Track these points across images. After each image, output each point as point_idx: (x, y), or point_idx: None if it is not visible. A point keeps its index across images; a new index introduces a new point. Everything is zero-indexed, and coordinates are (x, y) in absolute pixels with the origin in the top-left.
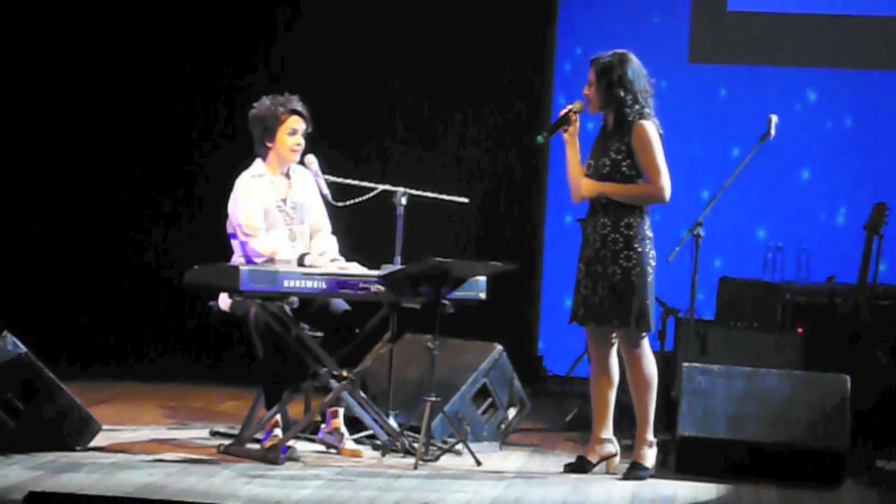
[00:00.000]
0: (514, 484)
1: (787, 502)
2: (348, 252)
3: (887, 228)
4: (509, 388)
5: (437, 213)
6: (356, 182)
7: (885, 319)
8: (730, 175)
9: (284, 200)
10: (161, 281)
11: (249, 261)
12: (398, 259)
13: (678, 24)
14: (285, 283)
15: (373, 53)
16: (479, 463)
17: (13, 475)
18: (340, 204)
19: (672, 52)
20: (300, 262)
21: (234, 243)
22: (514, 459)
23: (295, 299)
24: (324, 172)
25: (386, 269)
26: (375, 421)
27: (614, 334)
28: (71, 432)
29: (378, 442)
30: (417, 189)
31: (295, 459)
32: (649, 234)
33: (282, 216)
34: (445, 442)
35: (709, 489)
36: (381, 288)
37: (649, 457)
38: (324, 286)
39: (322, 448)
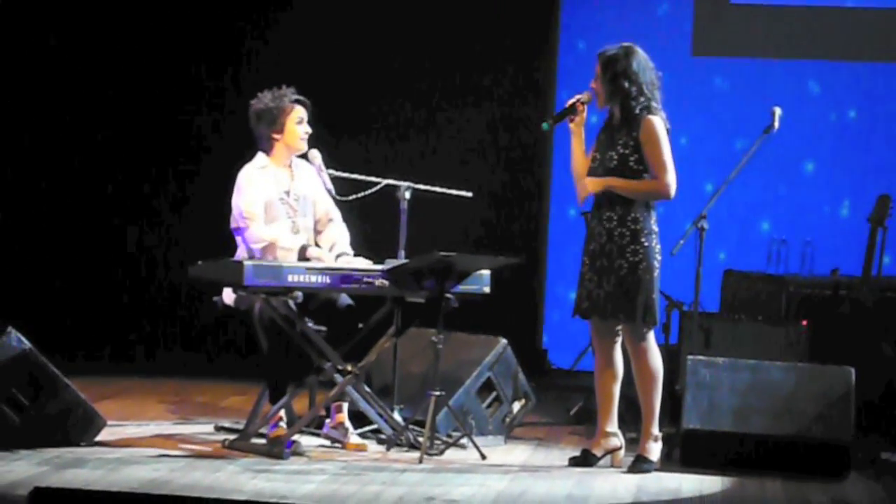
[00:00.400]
0: (519, 477)
1: (792, 495)
2: (352, 246)
3: (891, 220)
4: (514, 382)
5: (441, 208)
6: (360, 176)
7: (889, 311)
8: (733, 168)
9: (288, 193)
10: (165, 276)
11: (250, 249)
12: (402, 253)
13: (682, 17)
14: (289, 278)
15: (375, 47)
16: (483, 457)
17: (18, 471)
18: (344, 198)
19: (675, 45)
20: (301, 253)
21: (238, 239)
22: (518, 453)
23: (299, 294)
24: (327, 167)
25: (390, 263)
26: (380, 415)
27: (619, 328)
28: (76, 428)
29: (383, 436)
30: (421, 183)
31: (300, 454)
32: (655, 228)
33: (285, 208)
34: (450, 436)
35: (713, 482)
36: (386, 282)
37: (654, 450)
38: (328, 281)
39: (327, 442)
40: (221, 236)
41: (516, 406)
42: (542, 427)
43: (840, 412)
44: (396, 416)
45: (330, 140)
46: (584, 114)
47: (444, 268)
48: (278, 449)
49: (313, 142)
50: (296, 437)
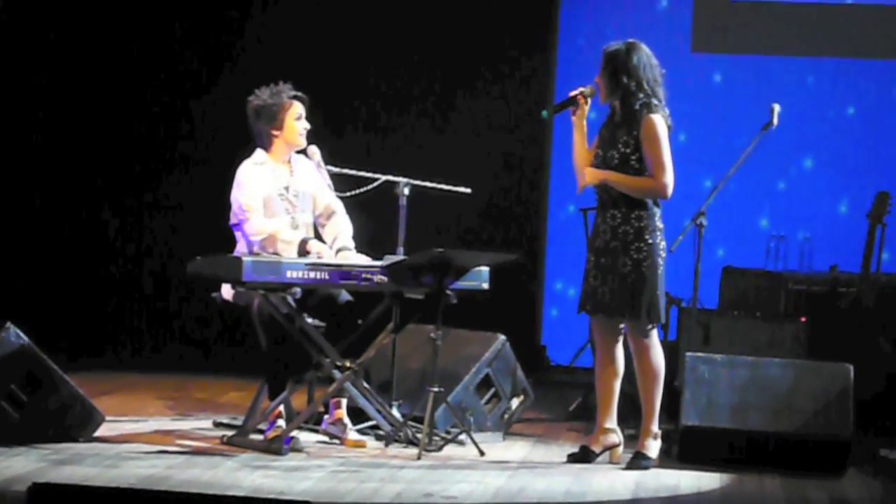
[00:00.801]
0: (517, 474)
1: (791, 491)
2: (353, 239)
3: (890, 217)
4: (512, 379)
5: (440, 204)
6: (358, 173)
7: (888, 308)
8: (732, 164)
9: (287, 189)
10: (164, 272)
11: (250, 244)
12: (401, 249)
13: (681, 13)
14: (288, 274)
15: (373, 44)
16: (482, 453)
17: (17, 466)
18: (343, 195)
19: (675, 41)
20: (302, 246)
21: (238, 234)
22: (517, 449)
23: (298, 290)
24: (326, 163)
25: (389, 259)
26: (378, 411)
27: (622, 325)
28: (74, 423)
29: (381, 432)
30: (420, 179)
31: (298, 450)
32: (660, 225)
33: (283, 204)
34: (449, 432)
35: (712, 479)
36: (384, 278)
37: (653, 447)
38: (327, 277)
39: (325, 439)
40: (220, 232)
41: (515, 402)
42: (541, 423)
43: (838, 409)
44: (395, 412)
45: (328, 136)
46: (587, 107)
47: (442, 264)
48: (277, 445)
49: (311, 137)
50: (294, 433)
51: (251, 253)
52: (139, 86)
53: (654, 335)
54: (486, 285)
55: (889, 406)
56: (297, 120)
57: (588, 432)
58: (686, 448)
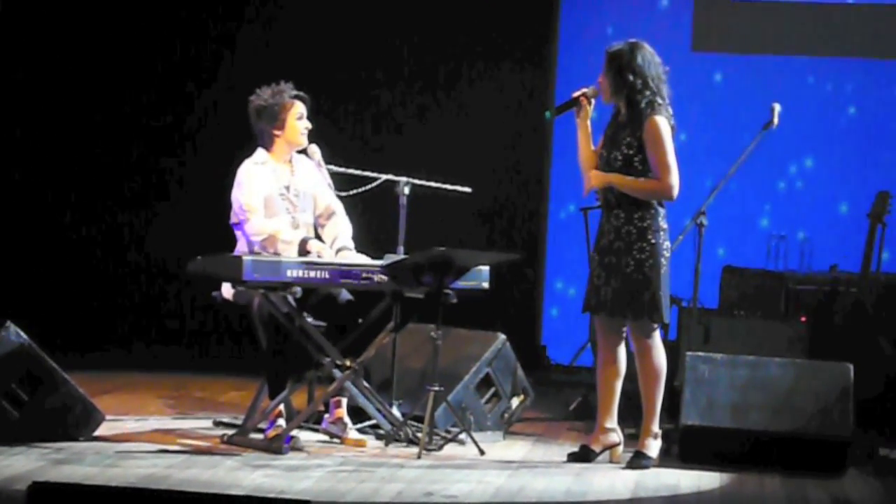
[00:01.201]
0: (517, 473)
1: (791, 491)
2: (353, 240)
3: (890, 217)
4: (512, 378)
5: (440, 203)
6: (359, 172)
7: (888, 308)
8: (733, 164)
9: (287, 188)
10: (164, 271)
11: (250, 243)
12: (401, 249)
13: (682, 13)
14: (288, 273)
15: (373, 42)
16: (482, 452)
17: (17, 465)
18: (343, 194)
19: (675, 41)
20: (302, 246)
21: (238, 233)
22: (517, 449)
23: (298, 289)
24: (326, 162)
25: (389, 258)
26: (379, 410)
27: (625, 326)
28: (74, 422)
29: (381, 431)
30: (420, 179)
31: (298, 449)
32: (664, 225)
33: (284, 204)
34: (449, 431)
35: (712, 478)
36: (385, 278)
37: (653, 447)
38: (327, 276)
39: (325, 438)
40: (220, 231)
41: (515, 402)
42: (541, 423)
43: (839, 408)
44: (395, 411)
45: (328, 135)
46: (590, 108)
47: (443, 263)
48: (277, 444)
49: (312, 137)
50: (294, 432)
51: (251, 252)
52: (137, 81)
53: (657, 335)
54: (486, 284)
55: (889, 405)
56: (298, 119)
57: (588, 431)
58: (686, 447)
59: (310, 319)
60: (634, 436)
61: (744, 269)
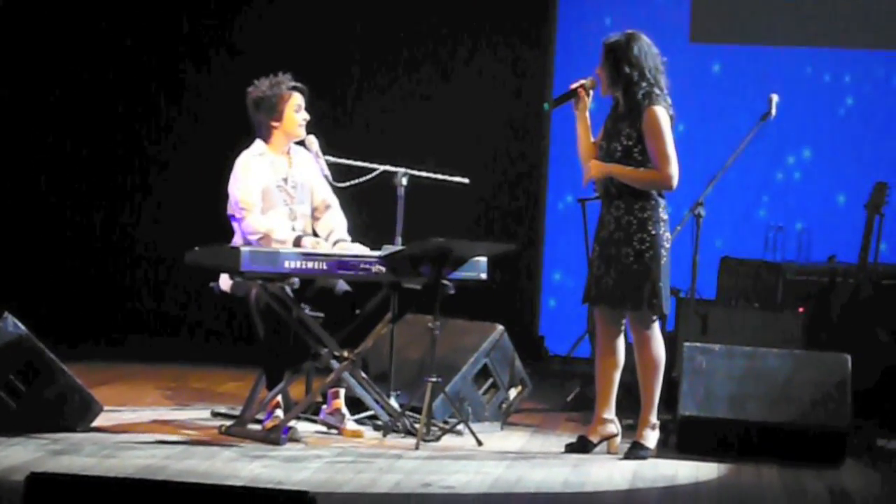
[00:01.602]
0: (515, 464)
1: (788, 482)
2: (349, 233)
3: (888, 207)
4: (510, 369)
5: (438, 194)
6: (357, 163)
7: (885, 298)
8: (731, 155)
9: (285, 180)
10: (162, 261)
11: (245, 239)
12: (399, 240)
13: (680, 4)
14: (286, 264)
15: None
16: (480, 443)
17: (15, 456)
18: (341, 185)
19: (674, 32)
20: (296, 244)
21: (235, 225)
22: (515, 439)
23: (296, 280)
24: (324, 153)
25: (387, 249)
26: (376, 401)
27: (624, 317)
28: (72, 413)
29: (379, 422)
30: (418, 170)
31: (296, 440)
32: (664, 216)
33: (282, 195)
34: (446, 422)
35: (710, 469)
36: (382, 269)
37: (651, 438)
38: (324, 267)
39: (323, 429)
40: (218, 221)
41: (513, 392)
42: (539, 413)
43: (836, 399)
44: (393, 402)
45: (325, 125)
46: (588, 99)
47: (440, 254)
48: (275, 435)
49: (310, 128)
50: (292, 423)
51: (248, 243)
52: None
53: (656, 327)
54: (484, 275)
55: (886, 396)
56: (296, 111)
57: (586, 422)
58: (684, 438)
59: (307, 310)
60: (632, 427)
61: (742, 259)
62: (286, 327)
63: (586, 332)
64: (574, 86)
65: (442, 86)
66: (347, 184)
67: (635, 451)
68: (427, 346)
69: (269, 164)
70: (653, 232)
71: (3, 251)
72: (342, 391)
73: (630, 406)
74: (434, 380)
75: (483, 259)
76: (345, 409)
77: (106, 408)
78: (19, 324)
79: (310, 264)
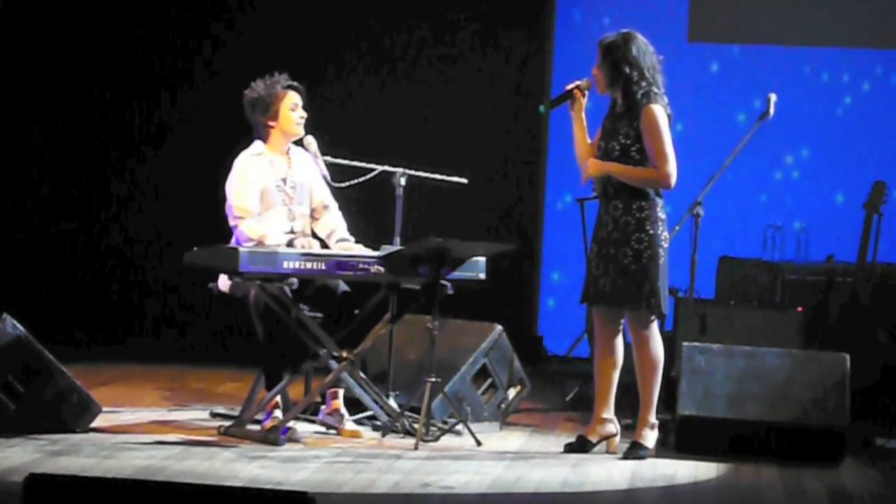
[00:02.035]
0: (514, 464)
1: (788, 481)
2: (348, 232)
3: (887, 207)
4: (509, 369)
5: (437, 194)
6: (355, 163)
7: (884, 298)
8: (729, 154)
9: (284, 180)
10: (160, 262)
11: (239, 243)
12: (397, 240)
13: (678, 4)
14: (285, 265)
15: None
16: (479, 443)
17: (13, 457)
18: (340, 185)
19: (672, 32)
20: (288, 247)
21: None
22: (514, 439)
23: (294, 280)
24: (322, 153)
25: (385, 249)
26: (375, 402)
27: (623, 317)
28: (71, 414)
29: (378, 423)
30: (416, 169)
31: (295, 440)
32: (662, 215)
33: (281, 196)
34: (445, 422)
35: (709, 468)
36: (381, 269)
37: (650, 437)
38: (323, 267)
39: (322, 429)
40: (216, 222)
41: (512, 392)
42: (538, 413)
43: (835, 398)
44: (392, 402)
45: (324, 125)
46: (584, 100)
47: (439, 254)
48: (273, 435)
49: (310, 128)
50: (291, 423)
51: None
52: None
53: (655, 327)
54: (482, 275)
55: (885, 395)
56: (292, 110)
57: (585, 422)
58: (683, 438)
59: (306, 311)
60: (631, 426)
61: (740, 259)
62: (285, 328)
63: (585, 331)
64: (570, 87)
65: (440, 85)
66: (346, 184)
67: (634, 450)
68: (426, 346)
69: (268, 164)
70: (651, 232)
71: (2, 252)
72: (341, 391)
73: (629, 406)
74: (433, 380)
75: (482, 259)
76: (344, 410)
77: (105, 408)
78: (18, 325)
79: (308, 265)
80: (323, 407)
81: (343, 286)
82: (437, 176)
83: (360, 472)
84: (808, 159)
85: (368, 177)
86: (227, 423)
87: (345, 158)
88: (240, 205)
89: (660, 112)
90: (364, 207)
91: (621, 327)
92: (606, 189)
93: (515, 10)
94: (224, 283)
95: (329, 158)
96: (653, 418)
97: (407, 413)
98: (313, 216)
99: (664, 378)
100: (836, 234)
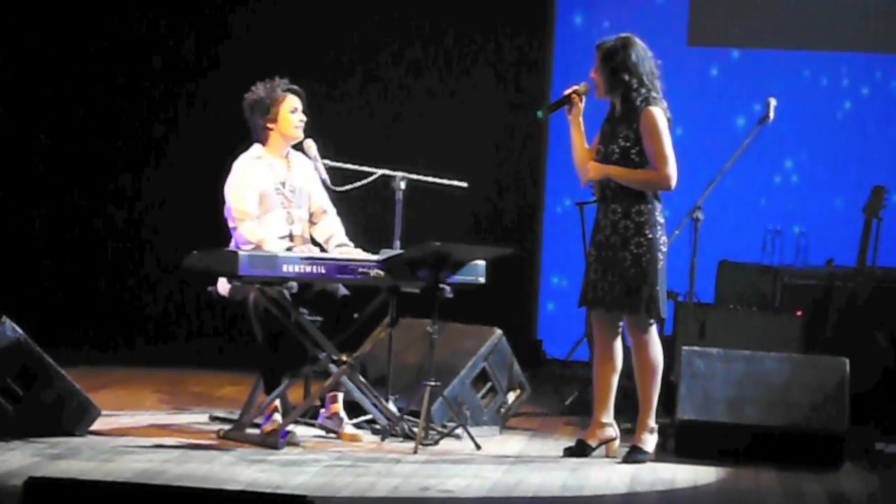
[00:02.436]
0: (513, 468)
1: (787, 485)
2: (347, 237)
3: (886, 211)
4: (509, 373)
5: (436, 198)
6: (355, 167)
7: (883, 302)
8: (728, 158)
9: (283, 184)
10: (160, 265)
11: (238, 246)
12: (397, 243)
13: (678, 7)
14: (284, 268)
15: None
16: (478, 447)
17: (13, 461)
18: (339, 189)
19: (671, 35)
20: None
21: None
22: (513, 443)
23: (294, 284)
24: (322, 157)
25: (385, 253)
26: (375, 405)
27: (621, 321)
28: (70, 418)
29: (377, 426)
30: (416, 173)
31: (294, 444)
32: (661, 219)
33: (280, 199)
34: (445, 426)
35: (708, 472)
36: (381, 272)
37: (649, 441)
38: (323, 271)
39: (321, 433)
40: (216, 226)
41: (511, 396)
42: (537, 417)
43: (834, 403)
44: (391, 406)
45: (324, 129)
46: (582, 105)
47: (439, 258)
48: (273, 439)
49: (310, 132)
50: (290, 427)
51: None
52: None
53: (653, 331)
54: (482, 279)
55: (885, 400)
56: (291, 112)
57: (584, 426)
58: (682, 442)
59: (306, 314)
60: (630, 430)
61: (739, 263)
62: (284, 331)
63: (584, 335)
64: (567, 92)
65: (440, 89)
66: (346, 187)
67: (633, 454)
68: (425, 350)
69: (268, 167)
70: (650, 236)
71: (2, 254)
72: (340, 395)
73: (628, 410)
74: (432, 384)
75: (481, 263)
76: (343, 413)
77: (104, 412)
78: (17, 328)
79: (308, 268)
80: (322, 410)
81: (343, 290)
82: (437, 180)
83: (359, 475)
84: (808, 163)
85: (368, 180)
86: (226, 427)
87: (345, 162)
88: (239, 207)
89: (659, 114)
90: (364, 211)
91: (620, 331)
92: (605, 193)
93: (515, 14)
94: (223, 286)
95: (329, 162)
96: (652, 422)
97: (406, 417)
98: (311, 220)
99: (663, 382)
100: (836, 239)
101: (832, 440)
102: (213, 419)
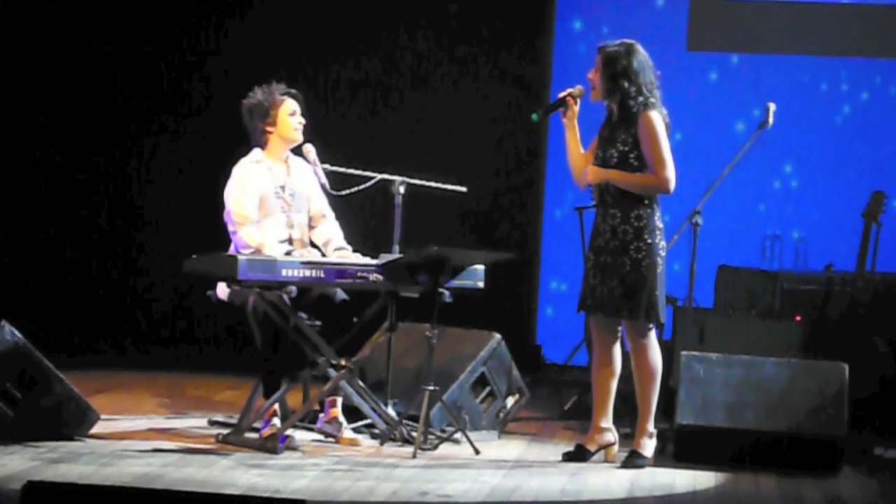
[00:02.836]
0: (512, 472)
1: (786, 490)
2: (346, 241)
3: (885, 216)
4: (508, 377)
5: (436, 203)
6: (354, 171)
7: (883, 307)
8: (728, 163)
9: (283, 188)
10: (159, 269)
11: (237, 250)
12: (396, 248)
13: (677, 12)
14: (283, 273)
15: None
16: (477, 452)
17: (12, 465)
18: (339, 193)
19: (671, 40)
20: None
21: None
22: (512, 448)
23: (293, 288)
24: (322, 161)
25: (384, 257)
26: (374, 410)
27: (620, 326)
28: (69, 422)
29: (376, 431)
30: (415, 178)
31: (293, 448)
32: (659, 224)
33: (279, 203)
34: (444, 431)
35: (707, 477)
36: (380, 277)
37: (648, 446)
38: (322, 275)
39: (320, 437)
40: (215, 230)
41: (510, 401)
42: (536, 422)
43: (834, 408)
44: (390, 410)
45: (323, 133)
46: (577, 108)
47: (438, 262)
48: (272, 443)
49: (308, 135)
50: (289, 431)
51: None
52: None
53: (653, 335)
54: (481, 284)
55: (883, 405)
56: (290, 116)
57: (583, 431)
58: (681, 447)
59: (305, 319)
60: (630, 435)
61: (739, 268)
62: (283, 336)
63: (583, 340)
64: (562, 94)
65: (440, 94)
66: (345, 192)
67: (632, 459)
68: (424, 354)
69: (267, 171)
70: (649, 241)
71: (1, 259)
72: (339, 400)
73: (627, 415)
74: (431, 388)
75: (480, 267)
76: (342, 418)
77: (103, 416)
78: (16, 332)
79: (307, 272)
80: (321, 415)
81: (342, 294)
82: (437, 184)
83: (358, 480)
84: (807, 168)
85: (368, 185)
86: (225, 431)
87: (344, 167)
88: (238, 211)
89: (657, 118)
90: (363, 216)
91: (619, 336)
92: (604, 197)
93: (515, 19)
94: (223, 290)
95: (328, 166)
96: (651, 427)
97: (405, 421)
98: (310, 225)
99: (662, 387)
100: (835, 244)
101: (831, 445)
102: (212, 423)
